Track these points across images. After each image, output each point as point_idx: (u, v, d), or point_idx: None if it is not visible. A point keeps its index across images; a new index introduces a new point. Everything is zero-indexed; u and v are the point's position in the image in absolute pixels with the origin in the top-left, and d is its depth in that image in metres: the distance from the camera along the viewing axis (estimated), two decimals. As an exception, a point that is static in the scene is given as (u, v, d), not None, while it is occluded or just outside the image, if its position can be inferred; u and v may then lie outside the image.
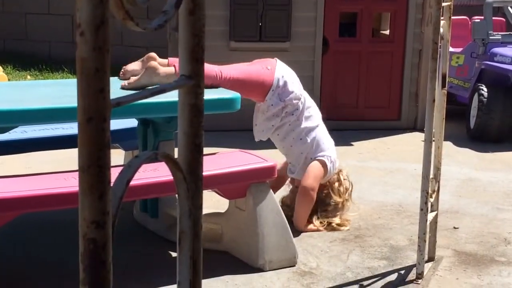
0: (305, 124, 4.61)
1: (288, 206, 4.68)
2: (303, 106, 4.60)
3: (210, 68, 4.22)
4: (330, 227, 4.60)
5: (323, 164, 4.59)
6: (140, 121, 4.34)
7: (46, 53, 11.29)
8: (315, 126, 4.66)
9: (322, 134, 4.69)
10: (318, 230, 4.57)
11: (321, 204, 4.65)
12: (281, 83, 4.50)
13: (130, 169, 0.98)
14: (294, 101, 4.55)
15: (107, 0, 0.85)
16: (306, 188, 4.53)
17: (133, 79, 4.10)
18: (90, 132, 0.87)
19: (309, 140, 4.60)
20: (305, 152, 4.61)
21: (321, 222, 4.61)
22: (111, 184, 0.91)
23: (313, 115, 4.67)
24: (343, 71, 7.60)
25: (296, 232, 4.46)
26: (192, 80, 1.10)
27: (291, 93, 4.52)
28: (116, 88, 3.95)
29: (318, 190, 4.59)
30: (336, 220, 4.64)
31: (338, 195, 4.67)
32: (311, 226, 4.59)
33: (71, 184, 3.44)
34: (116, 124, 4.54)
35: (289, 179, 4.85)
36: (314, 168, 4.58)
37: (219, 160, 4.13)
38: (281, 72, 4.55)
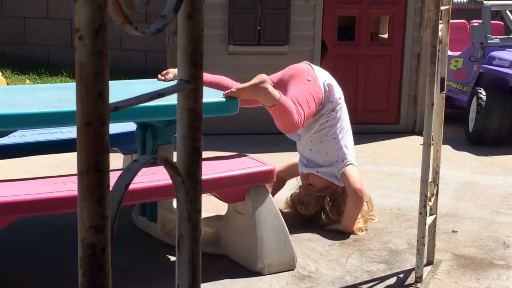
0: (340, 123, 4.71)
1: (301, 203, 4.71)
2: (342, 104, 4.73)
3: (293, 118, 4.36)
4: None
5: (357, 169, 4.72)
6: (138, 125, 4.34)
7: (45, 57, 11.29)
8: (348, 127, 4.78)
9: (351, 136, 4.80)
10: (362, 230, 4.65)
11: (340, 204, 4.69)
12: (327, 87, 4.63)
13: (129, 173, 0.98)
14: (339, 100, 4.68)
15: (106, 4, 0.85)
16: (358, 191, 4.59)
17: (240, 85, 4.31)
18: (89, 136, 0.87)
19: (341, 141, 4.69)
20: (337, 152, 4.68)
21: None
22: (110, 188, 0.92)
23: (346, 116, 4.78)
24: (341, 74, 7.57)
25: (295, 236, 4.46)
26: (191, 84, 1.10)
27: (335, 94, 4.66)
28: (117, 92, 3.95)
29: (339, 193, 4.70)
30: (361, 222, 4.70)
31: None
32: (357, 226, 4.65)
33: (70, 188, 3.44)
34: (114, 128, 4.54)
35: (298, 176, 4.86)
36: (354, 172, 4.67)
37: (217, 164, 4.13)
38: (322, 76, 4.67)
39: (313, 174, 4.72)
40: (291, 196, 4.84)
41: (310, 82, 4.56)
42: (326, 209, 4.64)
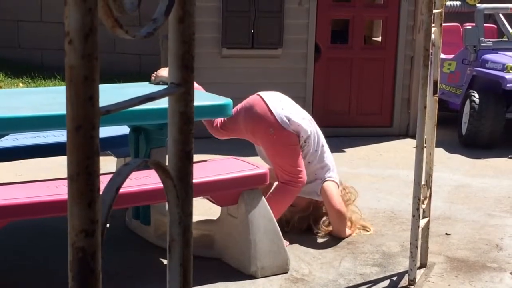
0: (314, 146, 4.60)
1: (287, 223, 4.67)
2: (312, 127, 4.60)
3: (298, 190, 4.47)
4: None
5: (335, 183, 4.65)
6: (131, 128, 4.33)
7: (38, 60, 11.27)
8: (322, 144, 4.68)
9: (327, 152, 4.72)
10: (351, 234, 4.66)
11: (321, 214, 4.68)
12: (287, 121, 4.45)
13: (119, 177, 0.98)
14: (306, 128, 4.52)
15: (96, 8, 0.85)
16: (339, 210, 4.55)
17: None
18: (79, 140, 0.87)
19: (317, 163, 4.61)
20: (314, 172, 4.61)
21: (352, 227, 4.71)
22: (101, 192, 0.91)
23: (319, 135, 4.69)
24: (335, 78, 7.62)
25: (288, 238, 4.46)
26: (182, 88, 1.10)
27: (299, 122, 4.49)
28: (109, 95, 3.95)
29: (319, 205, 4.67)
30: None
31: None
32: (348, 232, 4.66)
33: (62, 191, 3.43)
34: (108, 131, 4.53)
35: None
36: (331, 188, 4.60)
37: (211, 167, 4.13)
38: (278, 108, 4.50)
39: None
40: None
41: (278, 134, 4.42)
42: (313, 226, 4.65)
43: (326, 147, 4.72)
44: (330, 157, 4.71)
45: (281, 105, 4.53)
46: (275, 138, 4.42)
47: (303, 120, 4.54)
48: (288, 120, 4.45)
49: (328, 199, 4.55)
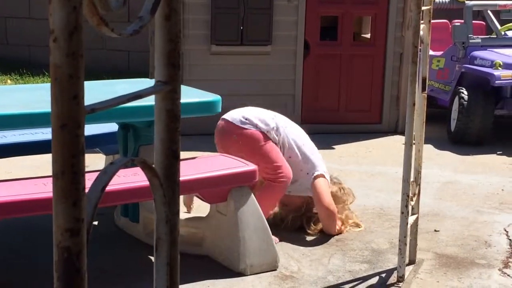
0: (290, 142, 4.59)
1: (282, 221, 4.67)
2: (279, 123, 4.60)
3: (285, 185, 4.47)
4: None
5: (326, 180, 4.63)
6: (120, 125, 4.32)
7: (26, 57, 11.23)
8: (303, 141, 4.68)
9: (311, 148, 4.70)
10: (341, 231, 4.64)
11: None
12: (242, 119, 4.50)
13: (105, 175, 0.97)
14: (270, 122, 4.54)
15: (81, 5, 0.84)
16: (328, 208, 4.54)
17: None
18: (64, 139, 0.86)
19: (298, 157, 4.60)
20: (299, 168, 4.60)
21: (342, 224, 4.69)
22: (86, 191, 0.91)
23: (296, 131, 4.69)
24: (324, 74, 7.62)
25: (278, 236, 4.46)
26: (169, 86, 1.09)
27: (257, 118, 4.52)
28: (98, 92, 3.93)
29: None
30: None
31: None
32: (338, 228, 4.64)
33: (50, 189, 3.41)
34: (96, 128, 4.52)
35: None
36: (321, 185, 4.58)
37: (200, 164, 4.12)
38: (232, 116, 4.55)
39: (285, 195, 4.65)
40: (272, 217, 4.74)
41: (241, 136, 4.46)
42: (305, 226, 4.65)
43: (309, 143, 4.72)
44: (314, 153, 4.70)
45: (237, 111, 4.58)
46: (240, 142, 4.45)
47: (263, 114, 4.57)
48: (246, 119, 4.49)
49: (318, 196, 4.54)
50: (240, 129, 4.46)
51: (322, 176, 4.61)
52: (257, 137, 4.46)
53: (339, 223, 4.65)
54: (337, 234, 4.61)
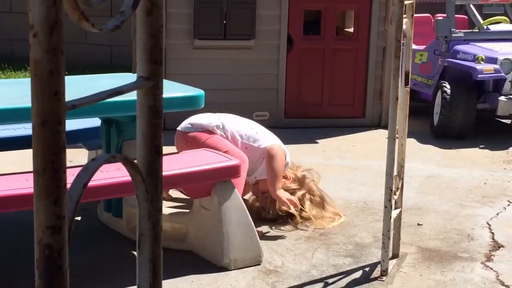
0: (233, 133, 4.69)
1: (264, 209, 4.70)
2: (222, 124, 4.71)
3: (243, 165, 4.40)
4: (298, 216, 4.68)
5: (281, 147, 4.70)
6: (103, 120, 4.30)
7: (8, 51, 11.17)
8: (247, 126, 4.79)
9: (265, 134, 4.78)
10: (289, 206, 4.59)
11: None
12: (187, 125, 4.69)
13: (86, 172, 0.96)
14: (209, 121, 4.70)
15: (61, 0, 0.83)
16: (271, 151, 4.61)
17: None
18: (44, 135, 0.85)
19: (248, 142, 4.70)
20: (255, 153, 4.68)
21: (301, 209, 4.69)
22: (68, 186, 0.90)
23: (237, 121, 4.80)
24: (307, 69, 7.62)
25: (261, 230, 4.46)
26: (151, 81, 1.09)
27: (200, 124, 4.68)
28: (81, 87, 3.91)
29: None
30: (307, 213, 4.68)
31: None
32: (284, 196, 4.61)
33: (32, 185, 3.39)
34: (79, 123, 4.50)
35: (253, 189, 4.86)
36: (271, 149, 4.64)
37: (183, 159, 4.11)
38: (181, 126, 4.74)
39: (255, 185, 4.76)
40: (251, 208, 4.76)
41: (189, 141, 4.59)
42: (267, 208, 4.71)
43: (261, 130, 4.80)
44: (267, 135, 4.78)
45: (186, 120, 4.74)
46: (189, 144, 4.56)
47: (208, 116, 4.74)
48: (191, 125, 4.66)
49: (266, 159, 4.61)
50: (186, 134, 4.61)
51: (273, 145, 4.68)
52: (200, 136, 4.61)
53: (326, 214, 4.67)
54: (284, 210, 4.61)
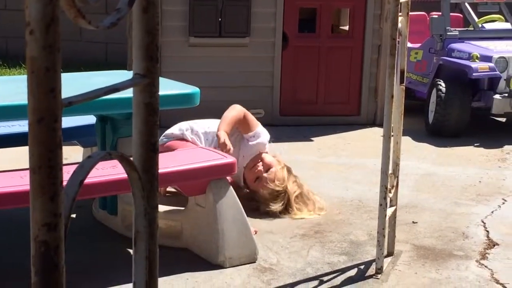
0: (199, 136, 4.88)
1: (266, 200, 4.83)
2: (191, 128, 4.91)
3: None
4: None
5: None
6: (98, 117, 4.29)
7: (3, 48, 11.15)
8: (207, 125, 4.95)
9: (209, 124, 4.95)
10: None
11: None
12: (163, 139, 4.89)
13: (83, 169, 0.96)
14: (176, 131, 4.95)
15: (57, -3, 0.83)
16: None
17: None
18: (41, 133, 0.85)
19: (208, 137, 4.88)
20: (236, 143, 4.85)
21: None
22: (64, 185, 0.90)
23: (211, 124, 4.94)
24: (302, 66, 7.62)
25: (256, 228, 4.46)
26: (147, 79, 1.09)
27: (171, 133, 4.93)
28: (77, 84, 3.91)
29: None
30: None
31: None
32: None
33: (27, 182, 3.38)
34: (74, 121, 4.49)
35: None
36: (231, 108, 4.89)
37: (178, 157, 4.11)
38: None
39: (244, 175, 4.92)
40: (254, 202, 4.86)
41: (165, 149, 4.70)
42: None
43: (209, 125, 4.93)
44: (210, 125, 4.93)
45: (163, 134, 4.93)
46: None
47: (176, 126, 4.95)
48: (164, 135, 4.89)
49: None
50: (162, 146, 4.69)
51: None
52: (173, 144, 4.77)
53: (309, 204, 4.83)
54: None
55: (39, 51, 0.83)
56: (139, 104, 1.10)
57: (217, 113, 4.94)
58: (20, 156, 5.32)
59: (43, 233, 0.87)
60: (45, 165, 0.86)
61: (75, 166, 0.98)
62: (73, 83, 3.88)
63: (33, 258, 0.88)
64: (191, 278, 3.82)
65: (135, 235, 1.14)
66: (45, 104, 0.85)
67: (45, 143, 0.85)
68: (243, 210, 4.07)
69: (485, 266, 4.11)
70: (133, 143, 1.12)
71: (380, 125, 5.63)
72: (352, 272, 4.00)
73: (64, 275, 0.89)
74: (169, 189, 4.95)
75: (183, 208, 4.27)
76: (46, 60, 0.84)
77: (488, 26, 8.35)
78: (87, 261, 3.98)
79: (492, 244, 4.45)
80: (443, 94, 7.16)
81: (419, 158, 6.45)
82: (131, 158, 1.10)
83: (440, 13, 7.96)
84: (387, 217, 4.00)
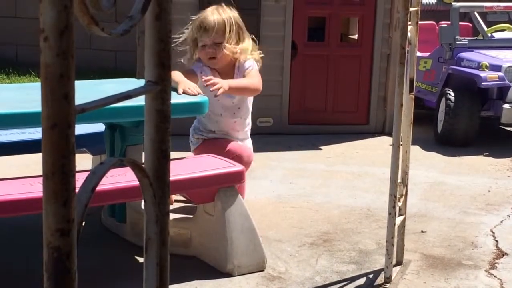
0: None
1: None
2: None
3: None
4: None
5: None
6: (107, 125, 4.30)
7: (13, 56, 11.19)
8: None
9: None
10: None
11: None
12: None
13: (95, 176, 0.97)
14: None
15: (71, 5, 0.84)
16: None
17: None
18: (54, 139, 0.86)
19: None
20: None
21: None
22: (76, 191, 0.90)
23: None
24: (311, 75, 7.62)
25: (264, 236, 4.46)
26: (159, 86, 1.09)
27: None
28: (87, 92, 3.92)
29: None
30: None
31: None
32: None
33: (37, 189, 3.40)
34: (83, 128, 4.50)
35: None
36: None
37: (187, 165, 4.12)
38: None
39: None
40: None
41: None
42: None
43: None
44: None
45: None
46: None
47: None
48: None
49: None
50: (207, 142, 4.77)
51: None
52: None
53: None
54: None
55: (53, 58, 0.84)
56: (151, 111, 1.11)
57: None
58: (30, 162, 5.35)
59: (56, 239, 0.87)
60: (59, 171, 0.86)
61: (86, 173, 0.99)
62: (83, 91, 3.88)
63: (46, 263, 0.88)
64: (199, 286, 3.82)
65: (146, 241, 1.14)
66: (59, 110, 0.85)
67: (58, 149, 0.86)
68: (251, 219, 4.07)
69: (494, 276, 4.09)
70: (145, 150, 1.12)
71: (389, 134, 5.63)
72: (361, 281, 3.99)
73: (76, 281, 0.89)
74: (177, 197, 4.95)
75: (191, 216, 4.27)
76: (59, 66, 0.84)
77: (497, 35, 8.33)
78: (96, 268, 3.98)
79: (501, 253, 4.44)
80: (452, 103, 7.15)
81: (428, 167, 6.44)
82: (143, 165, 1.11)
83: (449, 22, 7.96)
84: (396, 226, 3.99)
